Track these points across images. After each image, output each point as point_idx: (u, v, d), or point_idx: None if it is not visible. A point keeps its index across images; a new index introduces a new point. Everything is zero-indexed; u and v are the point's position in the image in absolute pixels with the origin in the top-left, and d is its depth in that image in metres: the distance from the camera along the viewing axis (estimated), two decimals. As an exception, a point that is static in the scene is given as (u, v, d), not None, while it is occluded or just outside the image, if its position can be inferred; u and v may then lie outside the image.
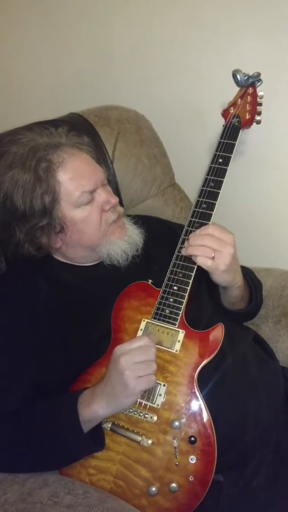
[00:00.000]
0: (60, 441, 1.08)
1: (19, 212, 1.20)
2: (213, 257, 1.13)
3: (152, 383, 1.05)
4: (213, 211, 1.17)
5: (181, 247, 1.18)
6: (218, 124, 1.26)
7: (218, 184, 1.18)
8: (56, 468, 1.12)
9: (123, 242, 1.27)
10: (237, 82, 1.24)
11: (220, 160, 1.19)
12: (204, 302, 1.32)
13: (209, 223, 1.16)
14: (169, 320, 1.14)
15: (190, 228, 1.18)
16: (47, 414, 1.10)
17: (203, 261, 1.13)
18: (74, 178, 1.21)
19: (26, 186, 1.19)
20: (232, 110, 1.25)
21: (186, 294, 1.14)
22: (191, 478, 1.05)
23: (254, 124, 1.28)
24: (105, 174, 1.30)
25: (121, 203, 1.62)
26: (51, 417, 1.09)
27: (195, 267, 1.15)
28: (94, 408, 1.06)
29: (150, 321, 1.15)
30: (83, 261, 1.30)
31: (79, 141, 1.29)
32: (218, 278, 1.17)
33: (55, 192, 1.20)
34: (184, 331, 1.13)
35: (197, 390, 1.08)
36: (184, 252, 1.17)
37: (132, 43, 1.88)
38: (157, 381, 1.10)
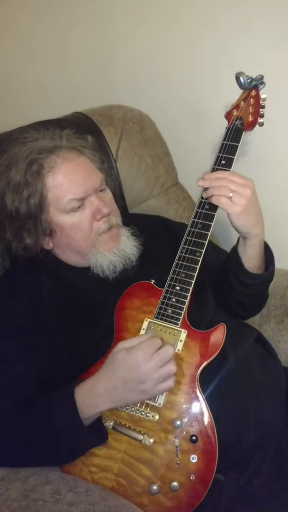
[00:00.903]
0: (61, 437, 1.08)
1: (8, 212, 1.21)
2: (231, 198, 1.12)
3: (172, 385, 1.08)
4: (215, 212, 1.17)
5: (183, 248, 1.18)
6: (221, 124, 1.26)
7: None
8: (60, 464, 1.13)
9: (111, 255, 1.24)
10: (240, 85, 1.24)
11: (223, 162, 1.19)
12: (207, 302, 1.32)
13: (212, 224, 1.17)
14: (171, 320, 1.14)
15: (193, 229, 1.18)
16: (46, 409, 1.10)
17: (219, 200, 1.13)
18: (64, 184, 1.20)
19: (15, 188, 1.20)
20: (235, 112, 1.25)
21: (189, 294, 1.15)
22: (192, 477, 1.05)
23: (258, 126, 1.29)
24: (102, 180, 1.28)
25: (124, 202, 1.63)
26: (50, 412, 1.09)
27: (198, 267, 1.16)
28: (94, 402, 1.07)
29: (152, 320, 1.16)
30: (76, 264, 1.30)
31: (82, 144, 1.29)
32: (235, 220, 1.15)
33: (42, 197, 1.20)
34: (186, 331, 1.13)
35: (199, 389, 1.09)
36: (204, 194, 1.17)
37: (137, 43, 1.89)
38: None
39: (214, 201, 1.14)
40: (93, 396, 1.07)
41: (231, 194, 1.12)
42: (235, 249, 1.25)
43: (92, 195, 1.23)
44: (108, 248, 1.24)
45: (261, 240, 1.21)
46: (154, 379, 1.05)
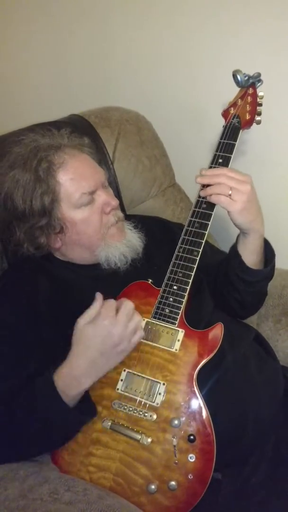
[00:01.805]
0: (52, 426, 1.08)
1: (19, 211, 1.21)
2: (230, 196, 1.12)
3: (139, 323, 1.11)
4: (213, 211, 1.17)
5: (180, 247, 1.18)
6: (218, 124, 1.26)
7: (218, 185, 1.18)
8: (55, 448, 1.13)
9: (122, 245, 1.27)
10: (237, 83, 1.24)
11: (220, 161, 1.19)
12: (205, 302, 1.32)
13: (209, 223, 1.17)
14: (168, 320, 1.14)
15: (190, 228, 1.18)
16: (31, 403, 1.09)
17: (218, 198, 1.13)
18: (74, 179, 1.22)
19: (26, 186, 1.20)
20: (232, 111, 1.25)
21: (186, 294, 1.15)
22: (190, 476, 1.05)
23: (255, 124, 1.29)
24: (106, 176, 1.31)
25: (121, 204, 1.63)
26: (35, 407, 1.08)
27: (195, 266, 1.16)
28: (76, 383, 1.07)
29: (150, 320, 1.16)
30: (83, 261, 1.31)
31: (81, 143, 1.31)
32: (237, 218, 1.15)
33: (55, 193, 1.21)
34: (183, 331, 1.13)
35: (197, 389, 1.09)
36: (202, 193, 1.16)
37: (133, 44, 1.89)
38: (157, 380, 1.11)
39: (213, 199, 1.14)
40: (74, 377, 1.07)
41: (230, 192, 1.12)
42: (234, 248, 1.25)
43: (100, 189, 1.26)
44: (118, 240, 1.27)
45: (261, 235, 1.22)
46: (126, 336, 1.08)
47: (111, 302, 1.09)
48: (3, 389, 1.11)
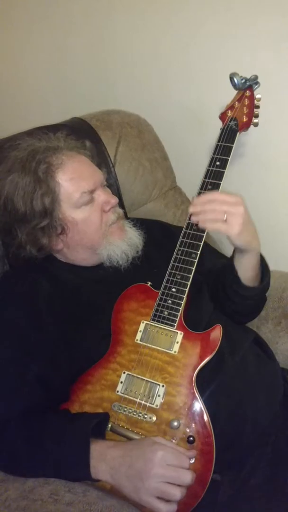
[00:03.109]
0: (63, 469, 1.05)
1: (20, 213, 1.23)
2: (226, 220, 1.12)
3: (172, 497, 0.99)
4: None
5: (179, 250, 1.19)
6: (219, 127, 1.27)
7: (216, 187, 1.19)
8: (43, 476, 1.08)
9: (123, 243, 1.29)
10: (234, 86, 1.25)
11: (218, 163, 1.20)
12: (205, 304, 1.32)
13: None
14: (167, 322, 1.15)
15: (188, 231, 1.19)
16: (58, 435, 1.08)
17: (214, 225, 1.13)
18: (74, 179, 1.23)
19: (26, 188, 1.21)
20: (229, 113, 1.26)
21: (184, 296, 1.16)
22: (189, 478, 1.05)
23: (253, 126, 1.29)
24: (104, 176, 1.32)
25: (122, 206, 1.64)
26: (60, 442, 1.06)
27: (193, 269, 1.17)
28: (96, 464, 1.02)
29: (149, 322, 1.16)
30: (84, 262, 1.32)
31: (77, 145, 1.32)
32: (236, 240, 1.15)
33: (55, 193, 1.22)
34: (182, 333, 1.14)
35: (196, 390, 1.09)
36: (194, 219, 1.16)
37: (134, 48, 1.90)
38: (156, 382, 1.11)
39: (209, 227, 1.14)
40: (100, 459, 1.03)
41: (224, 217, 1.12)
42: (231, 262, 1.25)
43: (99, 188, 1.27)
44: (119, 238, 1.29)
45: (258, 252, 1.23)
46: (152, 487, 0.98)
47: (186, 460, 1.01)
48: (21, 398, 1.12)
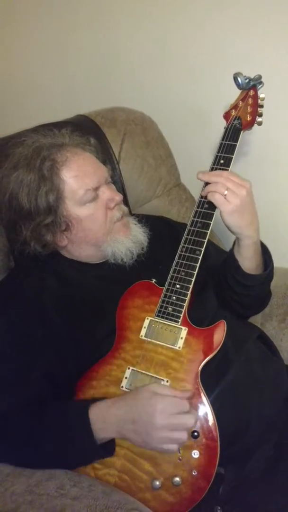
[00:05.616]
0: (71, 447, 1.09)
1: (25, 210, 1.23)
2: (225, 196, 1.14)
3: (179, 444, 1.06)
4: (214, 211, 1.18)
5: (183, 246, 1.20)
6: (223, 125, 1.28)
7: (220, 185, 1.19)
8: (60, 468, 1.11)
9: (128, 241, 1.29)
10: (238, 85, 1.26)
11: (222, 161, 1.21)
12: (209, 301, 1.33)
13: (211, 222, 1.19)
14: (172, 318, 1.16)
15: (192, 228, 1.20)
16: (60, 417, 1.11)
17: (213, 196, 1.15)
18: (78, 176, 1.24)
19: (31, 185, 1.22)
20: (233, 112, 1.26)
21: (189, 292, 1.16)
22: (194, 472, 1.06)
23: (257, 125, 1.30)
24: (109, 173, 1.32)
25: (126, 203, 1.65)
26: (64, 422, 1.10)
27: (197, 265, 1.17)
28: (103, 426, 1.06)
29: (153, 319, 1.17)
30: (89, 259, 1.33)
31: (82, 141, 1.32)
32: (226, 218, 1.16)
33: (59, 190, 1.22)
34: (187, 328, 1.15)
35: (200, 386, 1.10)
36: (203, 192, 1.19)
37: (139, 46, 1.91)
38: (160, 377, 1.12)
39: (209, 197, 1.16)
40: (103, 421, 1.06)
41: (226, 192, 1.14)
42: (231, 251, 1.26)
43: (103, 185, 1.27)
44: (124, 235, 1.29)
45: (255, 242, 1.22)
46: (159, 437, 1.03)
47: (185, 403, 1.06)
48: (26, 391, 1.14)
